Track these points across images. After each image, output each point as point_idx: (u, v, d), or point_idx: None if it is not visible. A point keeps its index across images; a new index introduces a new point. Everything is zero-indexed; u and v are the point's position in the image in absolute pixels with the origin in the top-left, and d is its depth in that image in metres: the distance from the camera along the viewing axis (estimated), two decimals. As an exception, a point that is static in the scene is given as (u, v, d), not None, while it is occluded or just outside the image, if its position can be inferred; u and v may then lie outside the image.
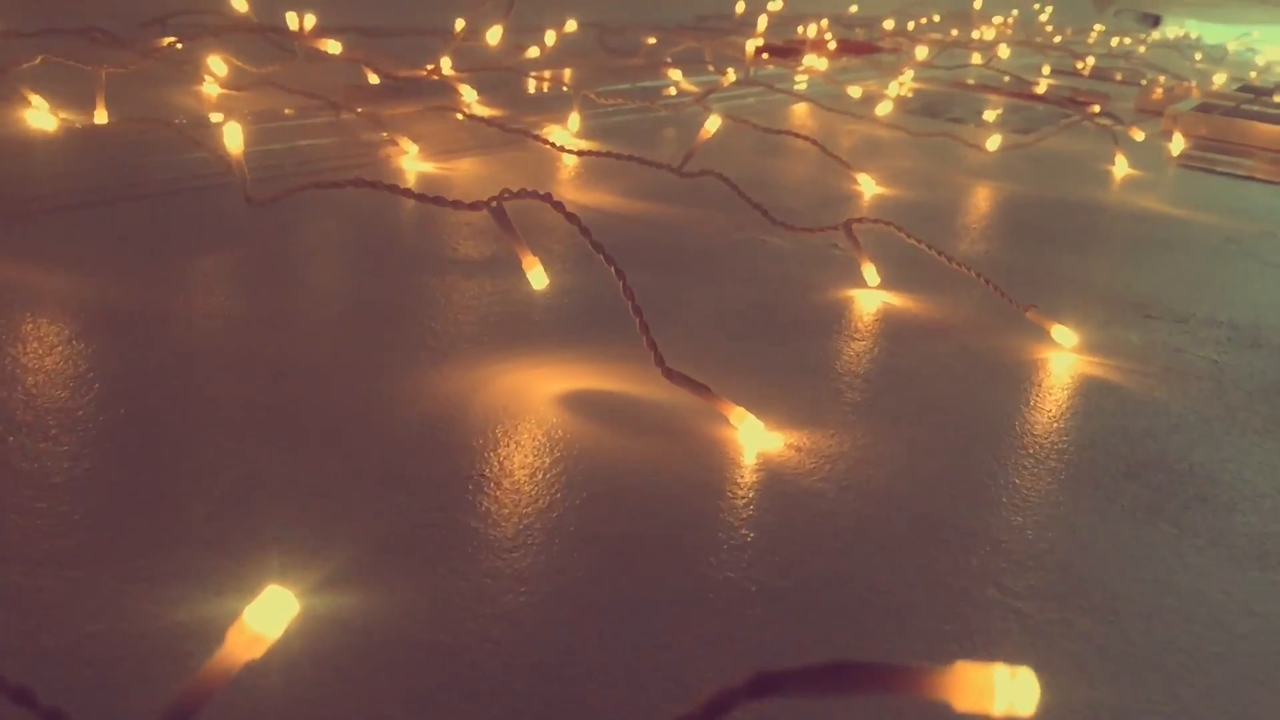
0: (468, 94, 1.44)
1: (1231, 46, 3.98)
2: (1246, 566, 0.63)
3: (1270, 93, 2.61)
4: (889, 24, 3.49)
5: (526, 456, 0.66)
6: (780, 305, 0.97)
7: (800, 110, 1.89)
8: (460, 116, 1.43)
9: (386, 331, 0.82)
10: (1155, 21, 5.17)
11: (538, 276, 0.74)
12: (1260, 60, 3.66)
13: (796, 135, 1.41)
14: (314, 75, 1.51)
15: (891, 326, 0.95)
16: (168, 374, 0.72)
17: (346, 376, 0.74)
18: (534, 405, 0.72)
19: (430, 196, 0.74)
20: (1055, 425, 0.79)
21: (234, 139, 0.79)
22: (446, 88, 1.47)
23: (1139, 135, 1.75)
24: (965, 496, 0.67)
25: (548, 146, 1.23)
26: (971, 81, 2.58)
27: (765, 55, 2.51)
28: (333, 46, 1.34)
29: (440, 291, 0.91)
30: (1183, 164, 1.85)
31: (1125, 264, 1.24)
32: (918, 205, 1.40)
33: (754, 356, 0.86)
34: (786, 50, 2.55)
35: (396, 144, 1.26)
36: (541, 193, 0.71)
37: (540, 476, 0.64)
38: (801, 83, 2.12)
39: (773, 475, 0.67)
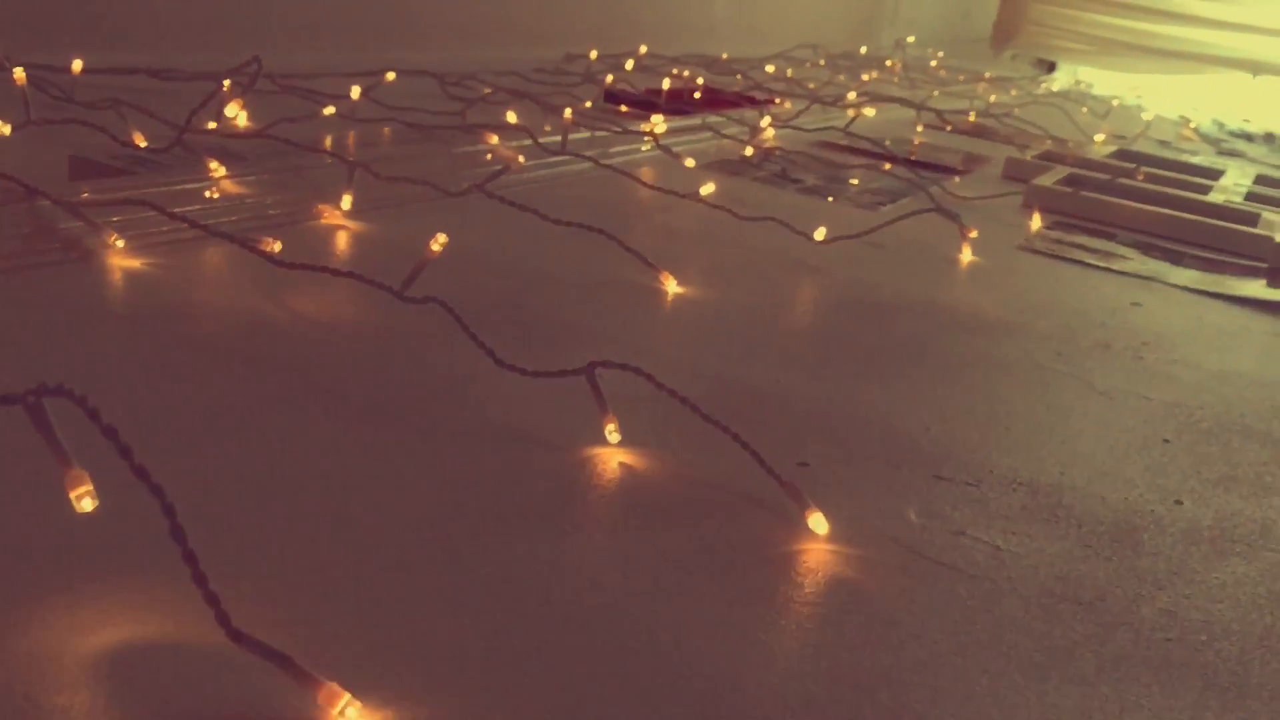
0: (217, 169, 1.26)
1: (1117, 101, 3.96)
2: None
3: (1142, 160, 2.54)
4: (770, 69, 3.38)
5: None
6: (482, 479, 0.81)
7: (629, 182, 1.72)
8: (210, 192, 1.25)
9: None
10: (1050, 68, 5.17)
11: (83, 498, 0.57)
12: (1146, 116, 3.63)
13: (583, 226, 1.26)
14: (44, 141, 1.31)
15: (615, 509, 0.79)
16: None
17: None
18: (53, 678, 0.54)
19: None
20: (769, 675, 0.64)
21: None
22: (195, 159, 1.29)
23: (973, 234, 1.63)
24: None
25: (249, 251, 1.05)
26: (844, 142, 2.46)
27: (623, 108, 2.37)
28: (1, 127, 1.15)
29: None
30: (1035, 249, 1.75)
31: (933, 396, 1.10)
32: (722, 312, 1.25)
33: (413, 570, 0.69)
34: (645, 103, 2.41)
35: (100, 236, 1.07)
36: (67, 387, 0.54)
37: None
38: (646, 145, 1.97)
39: (348, 794, 0.51)
